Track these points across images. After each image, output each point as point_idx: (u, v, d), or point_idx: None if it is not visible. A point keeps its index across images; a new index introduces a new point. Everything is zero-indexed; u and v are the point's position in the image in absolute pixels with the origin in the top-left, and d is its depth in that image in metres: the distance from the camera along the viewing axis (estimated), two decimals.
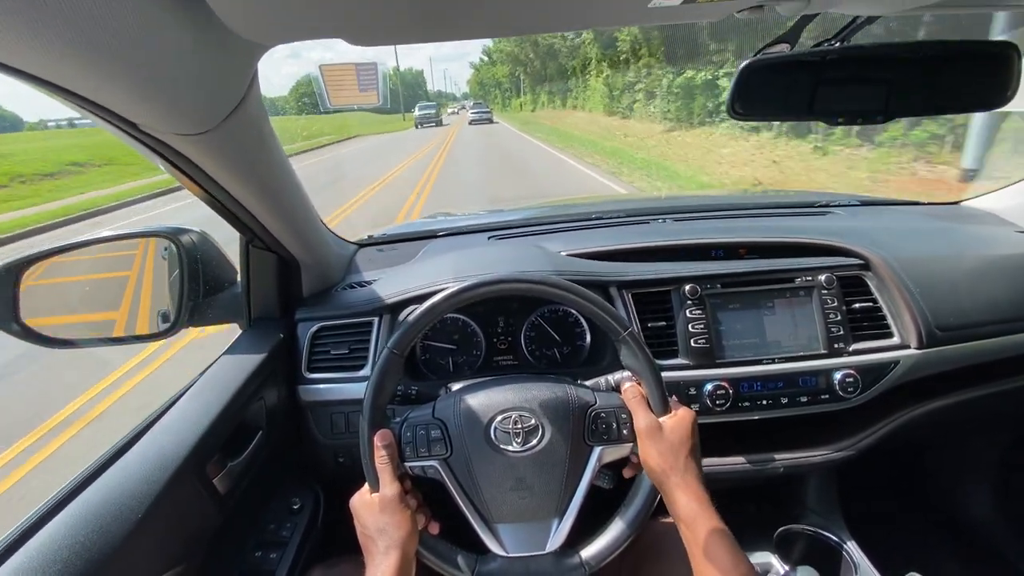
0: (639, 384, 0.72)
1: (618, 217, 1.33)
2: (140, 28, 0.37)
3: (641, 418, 0.67)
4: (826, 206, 1.39)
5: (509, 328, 1.07)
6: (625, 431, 0.69)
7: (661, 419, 0.67)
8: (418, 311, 0.71)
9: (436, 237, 1.35)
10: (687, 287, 0.98)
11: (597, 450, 0.68)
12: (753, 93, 0.73)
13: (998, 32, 3.55)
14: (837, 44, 0.68)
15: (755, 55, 0.70)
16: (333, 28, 0.42)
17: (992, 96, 0.68)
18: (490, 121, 31.68)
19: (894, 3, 0.50)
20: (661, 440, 0.66)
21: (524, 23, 0.48)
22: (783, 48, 0.71)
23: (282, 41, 0.46)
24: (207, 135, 0.55)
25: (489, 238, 1.29)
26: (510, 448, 0.67)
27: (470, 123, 30.55)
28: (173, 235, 0.89)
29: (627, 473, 0.72)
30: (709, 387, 0.94)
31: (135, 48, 0.39)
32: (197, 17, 0.39)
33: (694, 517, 0.61)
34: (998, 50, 0.66)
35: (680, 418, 0.68)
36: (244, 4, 0.37)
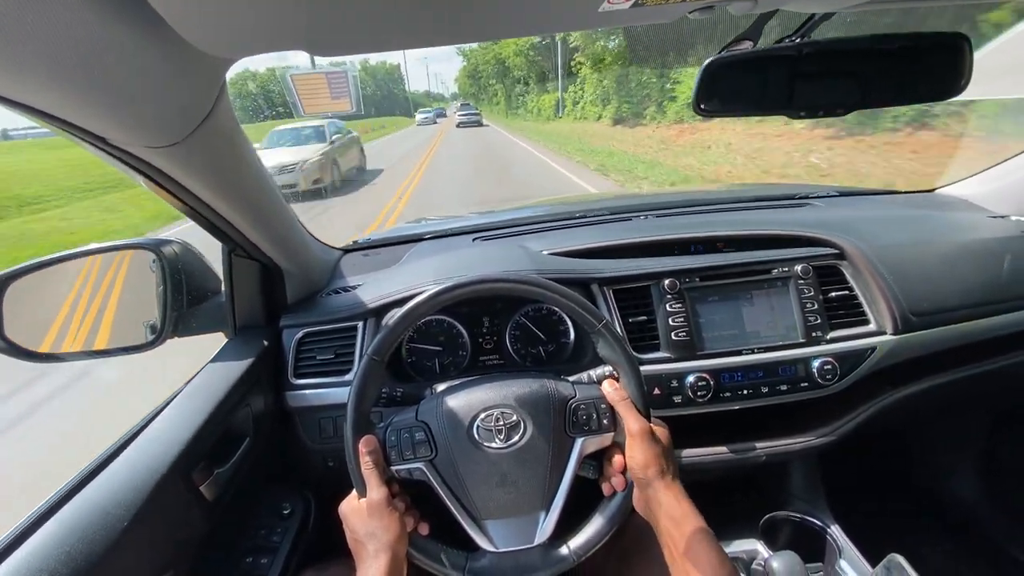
0: (617, 376, 0.73)
1: (600, 215, 1.35)
2: (100, 45, 0.38)
3: (633, 420, 0.68)
4: (804, 198, 1.41)
5: (494, 328, 1.08)
6: (605, 421, 0.70)
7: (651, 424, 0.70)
8: (397, 315, 0.72)
9: (421, 240, 1.37)
10: (666, 281, 1.00)
11: (579, 441, 0.70)
12: (719, 90, 0.75)
13: None
14: (798, 40, 0.70)
15: (718, 53, 0.72)
16: (293, 40, 0.43)
17: (948, 86, 0.71)
18: (479, 124, 29.77)
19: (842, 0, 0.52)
20: (654, 443, 0.67)
21: (479, 30, 0.50)
22: (746, 46, 0.72)
23: (244, 55, 0.47)
24: (177, 147, 0.56)
25: (474, 240, 1.31)
26: (493, 445, 0.68)
27: (458, 126, 28.61)
28: (155, 247, 0.90)
29: (607, 489, 0.72)
30: (691, 379, 0.95)
31: (97, 65, 0.40)
32: (159, 33, 0.40)
33: (681, 517, 0.63)
34: (952, 41, 0.68)
35: (662, 428, 0.71)
36: (201, 20, 0.38)
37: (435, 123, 37.76)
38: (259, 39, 0.43)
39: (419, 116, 41.89)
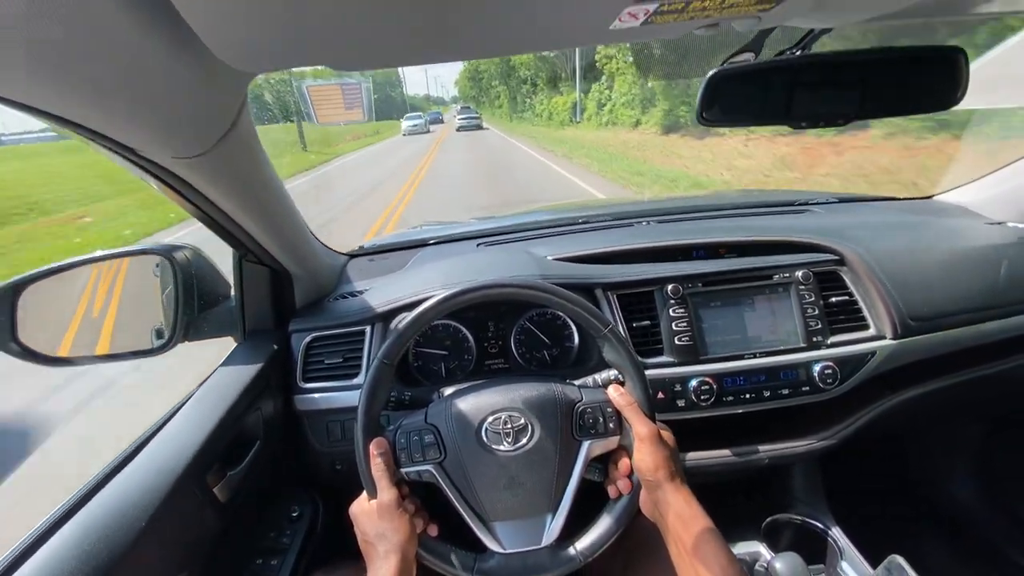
0: (622, 380, 0.75)
1: (603, 221, 1.37)
2: (135, 61, 0.40)
3: (641, 424, 0.69)
4: (804, 204, 1.43)
5: (499, 332, 1.09)
6: (611, 424, 0.72)
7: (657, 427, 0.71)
8: (406, 320, 0.74)
9: (426, 245, 1.38)
10: (669, 287, 1.01)
11: (586, 444, 0.71)
12: (722, 101, 0.77)
13: None
14: (798, 52, 0.72)
15: (722, 64, 0.74)
16: (318, 56, 0.45)
17: (945, 97, 0.73)
18: (479, 127, 28.30)
19: (842, 17, 0.54)
20: (662, 447, 0.68)
21: (494, 46, 0.51)
22: (748, 57, 0.75)
23: (270, 69, 0.49)
24: (202, 157, 0.58)
25: (478, 245, 1.32)
26: (501, 448, 0.69)
27: (457, 129, 27.16)
28: (167, 252, 0.91)
29: (613, 492, 0.73)
30: (694, 383, 0.97)
31: (130, 80, 0.42)
32: (189, 49, 0.41)
33: (690, 518, 0.64)
34: (948, 54, 0.70)
35: (667, 431, 0.72)
36: (233, 37, 0.40)
37: (427, 132, 28.97)
38: (286, 55, 0.45)
39: (405, 124, 29.06)
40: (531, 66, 29.50)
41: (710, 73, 0.73)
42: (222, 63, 0.43)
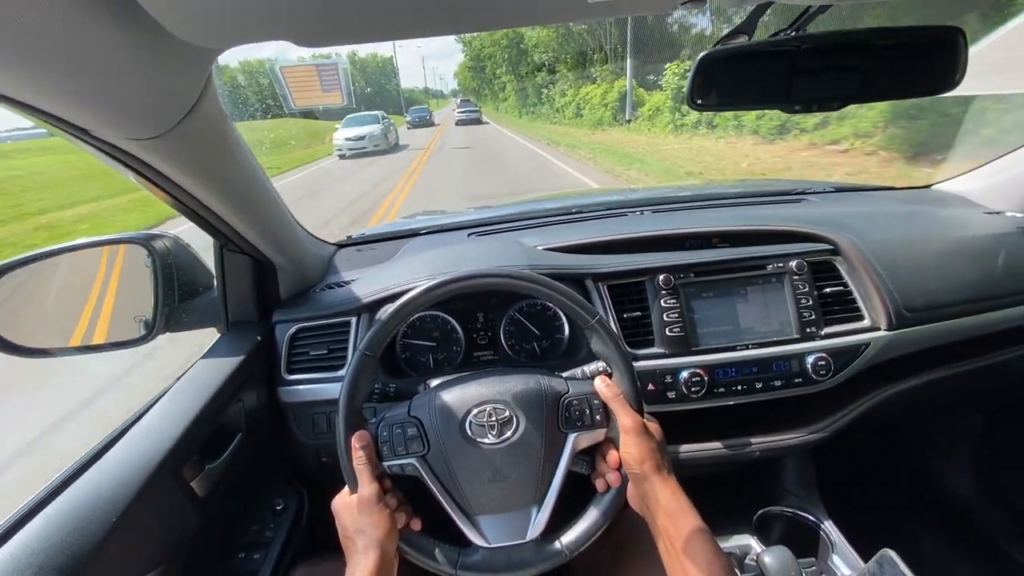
0: (610, 372, 0.73)
1: (596, 211, 1.35)
2: (78, 35, 0.38)
3: (626, 416, 0.68)
4: (800, 194, 1.41)
5: (488, 323, 1.08)
6: (598, 417, 0.70)
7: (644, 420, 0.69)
8: (389, 310, 0.72)
9: (416, 236, 1.36)
10: (661, 277, 0.99)
11: (572, 437, 0.69)
12: (714, 84, 0.74)
13: None
14: (793, 33, 0.70)
15: (714, 46, 0.71)
16: (280, 30, 0.42)
17: (943, 80, 0.70)
18: (478, 121, 26.83)
19: None
20: (649, 438, 0.67)
21: (467, 20, 0.49)
22: (742, 39, 0.72)
23: (229, 45, 0.46)
24: (162, 139, 0.55)
25: (469, 235, 1.30)
26: (486, 441, 0.68)
27: (457, 123, 25.69)
28: (145, 241, 0.89)
29: (600, 485, 0.71)
30: (685, 374, 0.95)
31: (75, 55, 0.39)
32: (139, 22, 0.39)
33: (677, 512, 0.63)
34: (945, 35, 0.68)
35: (654, 423, 0.71)
36: (184, 8, 0.37)
37: (396, 148, 16.22)
38: (244, 29, 0.42)
39: (341, 136, 15.05)
40: (549, 47, 21.58)
41: (700, 55, 0.71)
42: (177, 39, 0.41)
